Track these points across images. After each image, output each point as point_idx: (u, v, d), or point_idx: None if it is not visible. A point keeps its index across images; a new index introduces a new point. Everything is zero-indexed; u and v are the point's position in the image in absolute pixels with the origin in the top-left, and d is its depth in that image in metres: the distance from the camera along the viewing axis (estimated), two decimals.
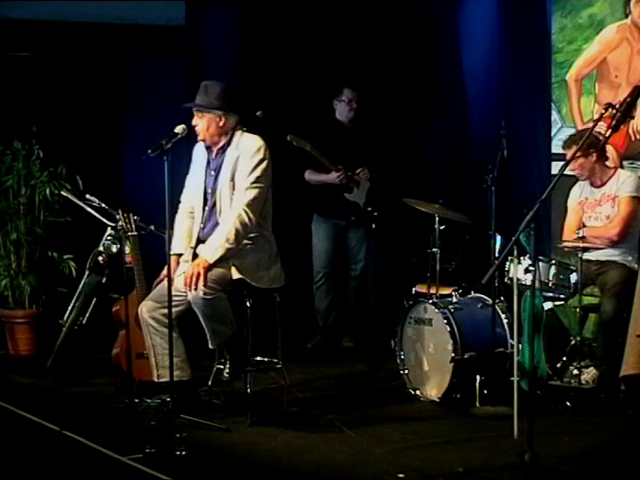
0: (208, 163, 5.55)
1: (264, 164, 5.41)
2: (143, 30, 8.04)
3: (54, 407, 5.73)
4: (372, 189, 7.30)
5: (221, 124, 5.44)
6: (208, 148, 5.55)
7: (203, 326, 5.35)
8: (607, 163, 6.18)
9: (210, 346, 5.47)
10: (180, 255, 5.55)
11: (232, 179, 5.41)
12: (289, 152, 7.05)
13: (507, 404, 5.34)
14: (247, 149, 5.41)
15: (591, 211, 6.13)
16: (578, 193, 6.22)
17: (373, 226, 7.37)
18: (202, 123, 5.44)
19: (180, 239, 5.57)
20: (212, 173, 5.51)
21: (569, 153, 5.87)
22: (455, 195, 7.67)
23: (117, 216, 5.90)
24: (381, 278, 8.03)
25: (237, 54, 7.93)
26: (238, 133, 5.49)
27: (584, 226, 6.07)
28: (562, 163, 4.86)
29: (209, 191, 5.51)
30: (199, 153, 5.62)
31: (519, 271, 5.52)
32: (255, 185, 5.37)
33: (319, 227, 7.38)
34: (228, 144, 5.48)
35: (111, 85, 8.09)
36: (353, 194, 7.29)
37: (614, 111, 5.05)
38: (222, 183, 5.44)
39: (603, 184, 6.09)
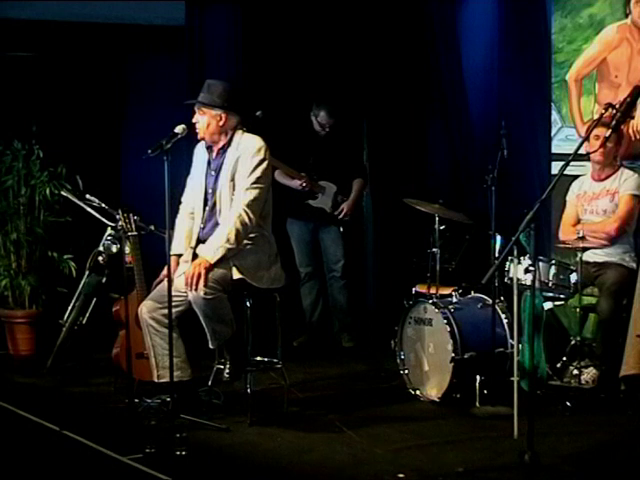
0: (209, 163, 5.55)
1: (264, 164, 5.41)
2: (143, 30, 8.05)
3: (54, 407, 5.74)
4: (338, 194, 7.41)
5: (221, 123, 5.45)
6: (209, 148, 5.56)
7: (203, 326, 5.35)
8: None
9: (210, 346, 5.47)
10: (180, 255, 5.55)
11: (232, 179, 5.41)
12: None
13: (507, 404, 5.34)
14: (247, 149, 5.42)
15: (588, 204, 6.14)
16: (577, 187, 6.23)
17: (341, 229, 7.43)
18: (203, 121, 5.45)
19: (180, 240, 5.57)
20: (212, 173, 5.51)
21: (598, 132, 5.70)
22: (455, 195, 7.67)
23: (117, 216, 5.89)
24: (381, 278, 8.05)
25: (237, 54, 7.93)
26: (239, 133, 5.50)
27: (579, 222, 6.09)
28: (562, 163, 4.84)
29: (209, 191, 5.52)
30: (200, 153, 5.62)
31: (519, 271, 5.52)
32: (255, 186, 5.37)
33: (292, 229, 7.49)
34: (228, 144, 5.48)
35: (111, 85, 8.09)
36: (318, 200, 7.38)
37: (614, 111, 5.05)
38: (222, 183, 5.44)
39: (605, 178, 6.10)
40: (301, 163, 7.30)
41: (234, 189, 5.41)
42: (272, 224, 5.59)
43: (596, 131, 5.65)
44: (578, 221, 6.14)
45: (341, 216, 7.40)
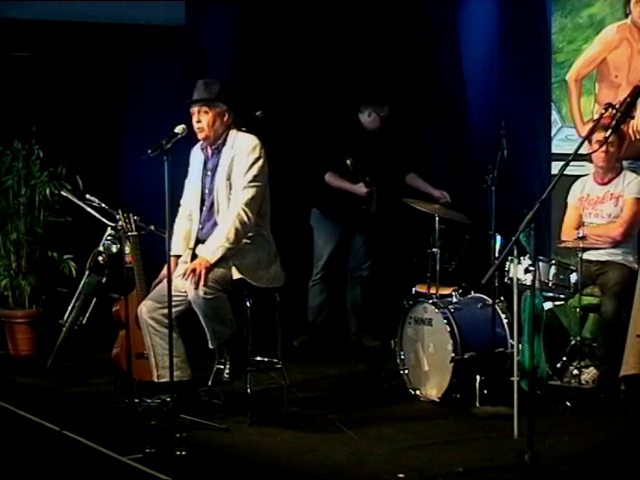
0: (205, 163, 5.55)
1: (260, 162, 5.40)
2: (143, 30, 8.05)
3: (54, 407, 5.74)
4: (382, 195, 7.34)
5: (225, 119, 5.45)
6: (204, 149, 5.55)
7: (203, 326, 5.35)
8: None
9: (210, 346, 5.47)
10: (179, 257, 5.55)
11: (228, 178, 5.41)
12: (288, 150, 7.07)
13: (507, 404, 5.34)
14: (242, 148, 5.41)
15: (592, 208, 6.12)
16: (579, 189, 6.21)
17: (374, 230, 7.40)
18: (206, 119, 5.42)
19: (178, 241, 5.56)
20: (209, 173, 5.51)
21: (599, 137, 5.60)
22: (455, 195, 7.67)
23: (117, 216, 5.89)
24: (381, 278, 8.02)
25: (237, 54, 7.93)
26: (232, 132, 5.49)
27: (583, 224, 6.08)
28: (562, 163, 4.84)
29: (206, 191, 5.51)
30: (196, 156, 5.62)
31: (519, 271, 5.52)
32: (252, 184, 5.37)
33: (323, 228, 7.38)
34: (223, 143, 5.48)
35: (111, 85, 8.09)
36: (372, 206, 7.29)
37: (614, 111, 5.04)
38: (219, 183, 5.44)
39: (608, 182, 6.09)
40: (360, 167, 7.07)
41: (231, 188, 5.41)
42: (276, 221, 5.57)
43: (598, 136, 5.62)
44: (580, 224, 6.13)
45: (443, 201, 7.09)
